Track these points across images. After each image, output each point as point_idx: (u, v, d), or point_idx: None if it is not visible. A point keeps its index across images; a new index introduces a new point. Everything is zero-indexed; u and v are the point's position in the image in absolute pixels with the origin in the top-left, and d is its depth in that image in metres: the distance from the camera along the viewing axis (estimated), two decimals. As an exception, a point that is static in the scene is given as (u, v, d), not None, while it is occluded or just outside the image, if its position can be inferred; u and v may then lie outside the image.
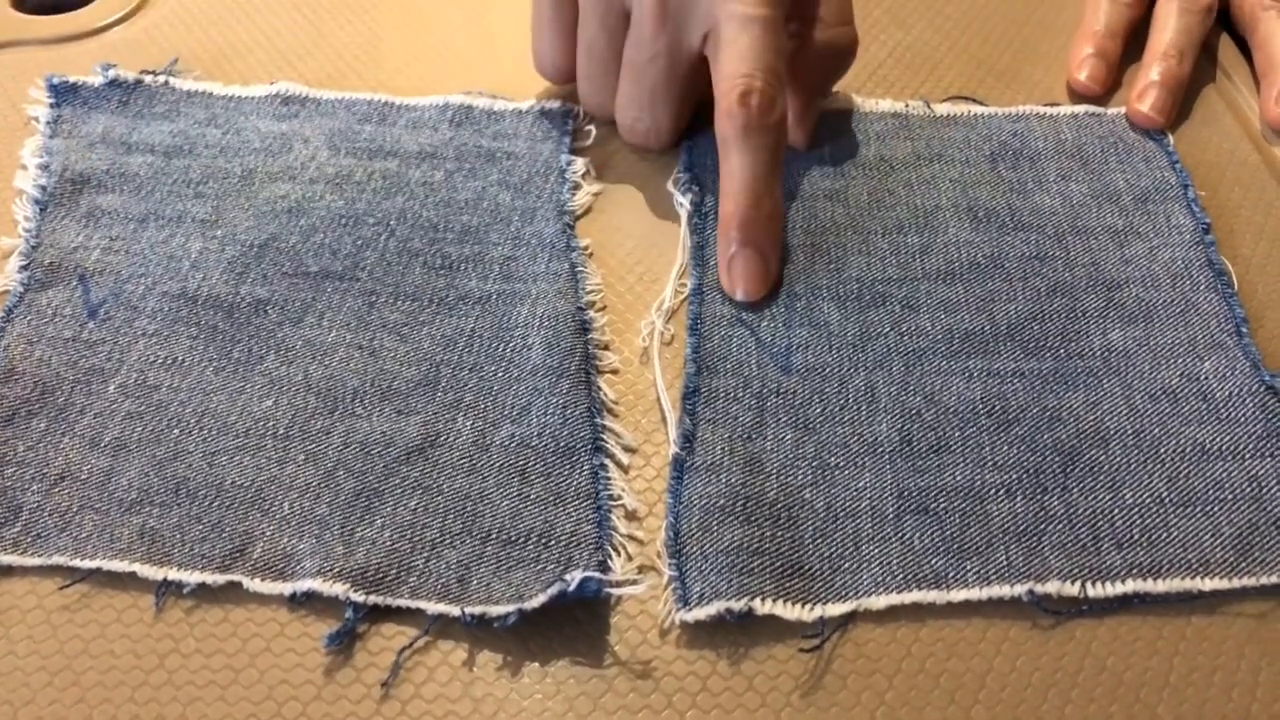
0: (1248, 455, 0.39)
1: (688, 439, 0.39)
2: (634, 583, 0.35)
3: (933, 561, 0.36)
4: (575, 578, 0.34)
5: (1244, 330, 0.43)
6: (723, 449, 0.39)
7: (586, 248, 0.46)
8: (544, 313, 0.43)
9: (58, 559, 0.36)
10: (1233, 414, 0.40)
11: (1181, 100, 0.53)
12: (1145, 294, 0.44)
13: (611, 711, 0.33)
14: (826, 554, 0.36)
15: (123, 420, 0.40)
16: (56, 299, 0.43)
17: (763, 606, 0.35)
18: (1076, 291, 0.44)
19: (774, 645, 0.35)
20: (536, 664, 0.34)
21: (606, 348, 0.43)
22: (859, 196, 0.48)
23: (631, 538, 0.37)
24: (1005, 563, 0.36)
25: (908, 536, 0.37)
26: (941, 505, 0.38)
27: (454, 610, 0.35)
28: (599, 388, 0.41)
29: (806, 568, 0.36)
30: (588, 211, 0.48)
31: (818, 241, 0.46)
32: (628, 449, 0.40)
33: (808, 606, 0.35)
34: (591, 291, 0.44)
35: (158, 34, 0.56)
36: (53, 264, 0.44)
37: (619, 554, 0.37)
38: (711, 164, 0.47)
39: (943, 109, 0.52)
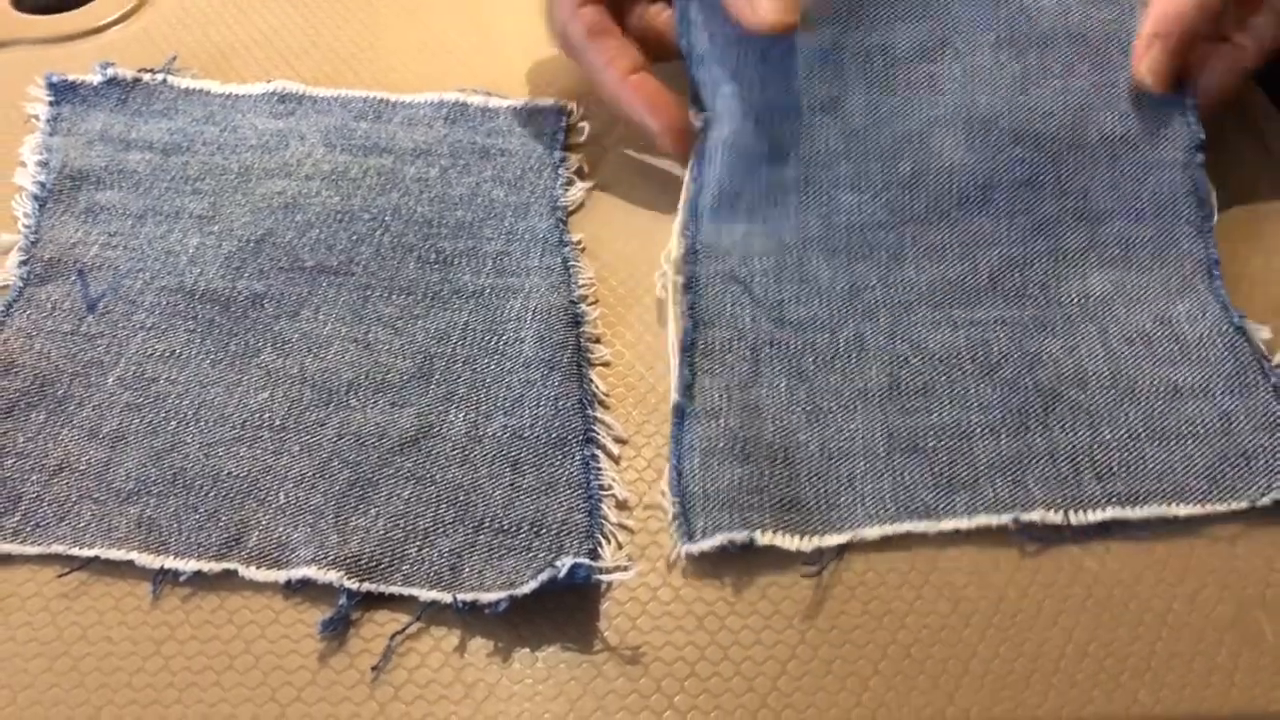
0: (1218, 393, 0.40)
1: (687, 388, 0.41)
2: (624, 569, 0.36)
3: (923, 495, 0.38)
4: (565, 564, 0.35)
5: (1215, 272, 0.44)
6: (721, 396, 0.40)
7: (579, 243, 0.47)
8: (537, 306, 0.44)
9: (57, 547, 0.37)
10: (1203, 355, 0.42)
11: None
12: (1127, 228, 0.45)
13: (601, 695, 0.34)
14: (822, 490, 0.38)
15: (121, 412, 0.40)
16: (56, 293, 0.44)
17: (763, 538, 0.36)
18: (1060, 229, 0.45)
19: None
20: (527, 649, 0.35)
21: (598, 341, 0.43)
22: (854, 110, 0.47)
23: (622, 526, 0.38)
24: (992, 495, 0.38)
25: (899, 472, 0.39)
26: (930, 443, 0.39)
27: (446, 597, 0.35)
28: (590, 380, 0.42)
29: (803, 502, 0.38)
30: (580, 207, 0.49)
31: (810, 175, 0.46)
32: (619, 440, 0.40)
33: (805, 538, 0.37)
34: (584, 286, 0.45)
35: (156, 33, 0.57)
36: (52, 259, 0.45)
37: (609, 542, 0.37)
38: (713, 94, 0.47)
39: None
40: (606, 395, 0.42)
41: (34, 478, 0.38)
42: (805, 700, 0.34)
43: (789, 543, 0.37)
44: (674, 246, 0.45)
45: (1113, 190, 0.46)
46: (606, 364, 0.43)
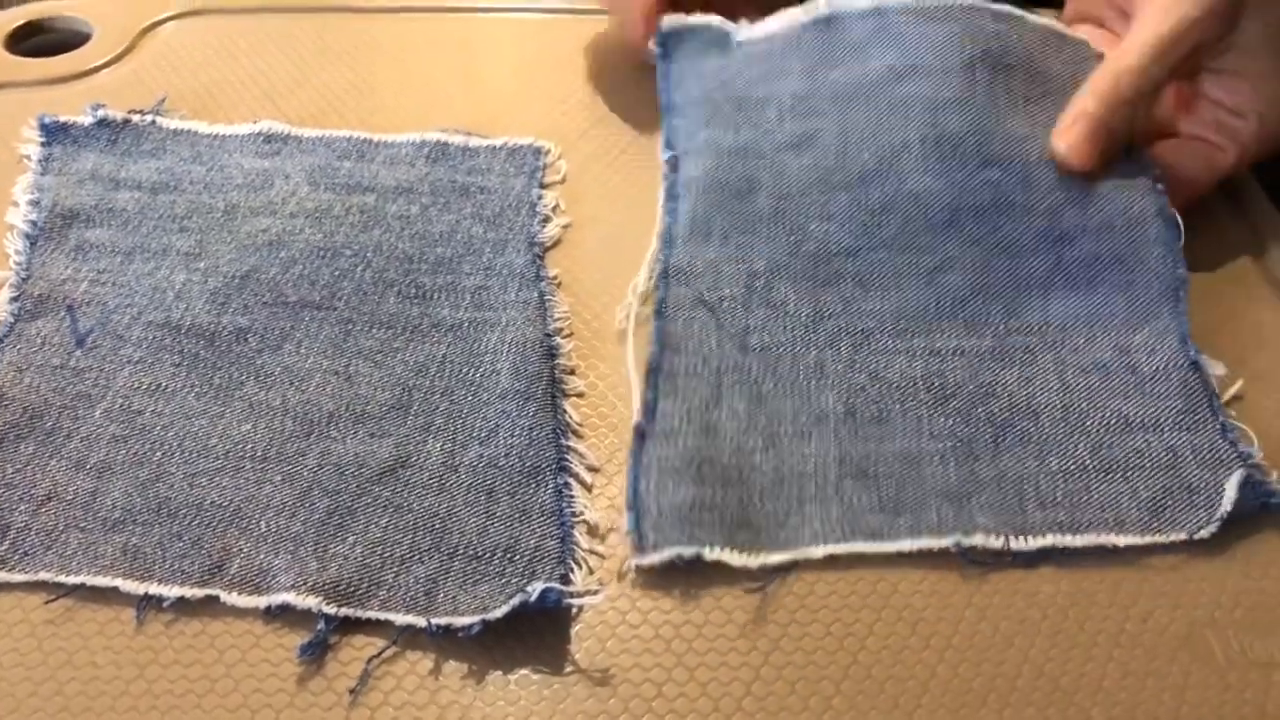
0: (1167, 428, 0.42)
1: (649, 409, 0.42)
2: (593, 593, 0.37)
3: (869, 518, 0.39)
4: (536, 589, 0.36)
5: (1181, 294, 0.45)
6: (680, 418, 0.42)
7: (555, 277, 0.48)
8: (513, 339, 0.45)
9: (44, 575, 0.38)
10: (1156, 389, 0.43)
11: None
12: (1095, 247, 0.46)
13: (571, 716, 0.35)
14: (772, 511, 0.39)
15: (108, 444, 0.41)
16: (45, 328, 0.45)
17: (711, 553, 0.38)
18: (1026, 253, 0.46)
19: (733, 640, 0.37)
20: (500, 672, 0.36)
21: (573, 372, 0.45)
22: (827, 142, 0.49)
23: (593, 552, 0.39)
24: (935, 519, 0.39)
25: (847, 496, 0.40)
26: (880, 470, 0.41)
27: (421, 621, 0.36)
28: (564, 410, 0.43)
29: (753, 523, 0.39)
30: (557, 243, 0.50)
31: (782, 207, 0.48)
32: (591, 468, 0.42)
33: (752, 555, 0.38)
34: (559, 319, 0.46)
35: (145, 75, 0.58)
36: (42, 295, 0.46)
37: (581, 567, 0.38)
38: (688, 139, 0.50)
39: None
40: (580, 425, 0.43)
41: (22, 507, 0.39)
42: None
43: (736, 559, 0.38)
44: (642, 279, 0.46)
45: (1082, 209, 0.46)
46: (580, 395, 0.44)
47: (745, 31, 0.54)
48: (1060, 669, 0.36)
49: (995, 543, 0.38)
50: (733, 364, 0.44)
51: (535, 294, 0.47)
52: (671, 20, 0.52)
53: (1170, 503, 0.39)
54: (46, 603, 0.37)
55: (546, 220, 0.51)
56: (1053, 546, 0.38)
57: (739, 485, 0.40)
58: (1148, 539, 0.39)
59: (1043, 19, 0.52)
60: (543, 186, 0.52)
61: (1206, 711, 0.35)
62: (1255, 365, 0.45)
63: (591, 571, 0.38)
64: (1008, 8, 0.51)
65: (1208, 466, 0.40)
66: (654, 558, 0.38)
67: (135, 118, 0.54)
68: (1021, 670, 0.36)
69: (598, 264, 0.49)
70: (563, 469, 0.41)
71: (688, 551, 0.37)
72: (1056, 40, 0.51)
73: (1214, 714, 0.35)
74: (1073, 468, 0.41)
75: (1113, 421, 0.42)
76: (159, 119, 0.54)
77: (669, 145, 0.50)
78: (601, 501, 0.41)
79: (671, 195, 0.49)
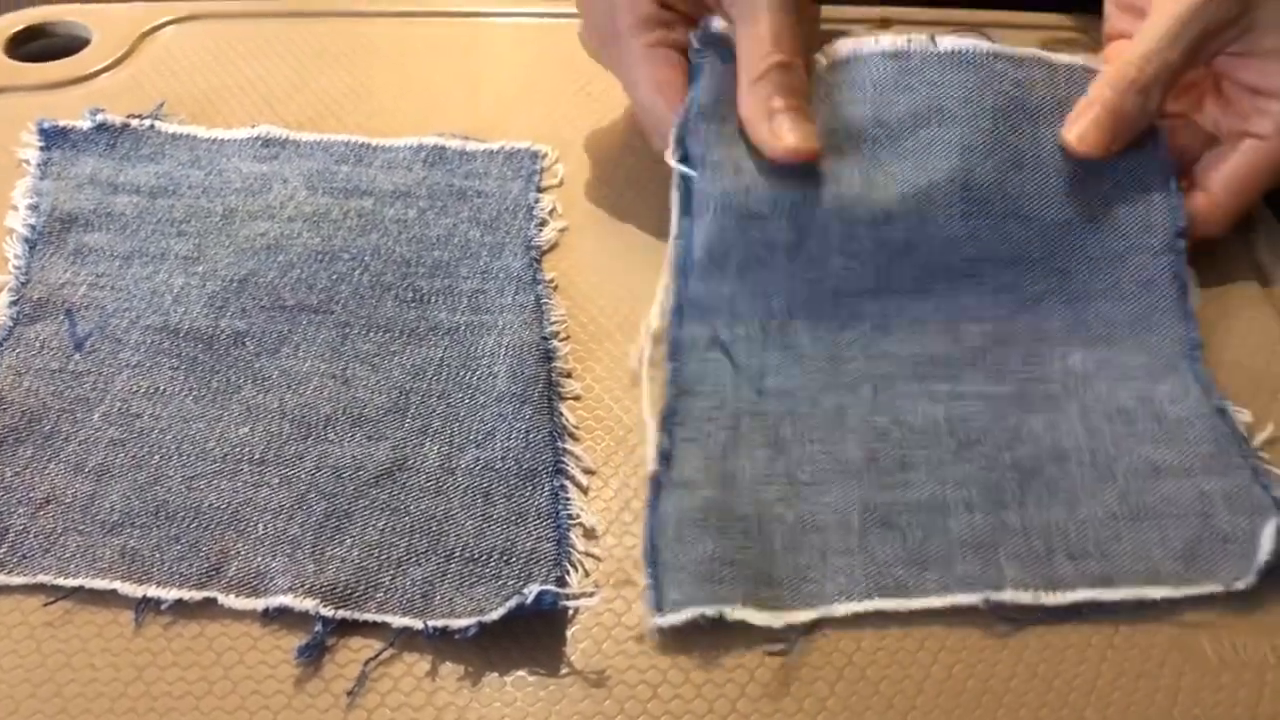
0: (1197, 473, 0.41)
1: (665, 457, 0.41)
2: (589, 595, 0.37)
3: (895, 571, 0.38)
4: (533, 591, 0.36)
5: (1197, 355, 0.45)
6: (697, 466, 0.41)
7: (552, 281, 0.48)
8: (510, 342, 0.45)
9: (43, 577, 0.38)
10: (1184, 434, 0.42)
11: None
12: (1109, 309, 0.46)
13: (567, 717, 0.35)
14: (794, 564, 0.38)
15: (106, 447, 0.41)
16: (44, 332, 0.45)
17: (733, 613, 0.36)
18: (1043, 309, 0.46)
19: (742, 651, 0.37)
20: (496, 674, 0.36)
21: (569, 375, 0.45)
22: (851, 180, 0.46)
23: (589, 554, 0.39)
24: (963, 573, 0.38)
25: (872, 548, 0.39)
26: (904, 519, 0.40)
27: (418, 623, 0.36)
28: (561, 413, 0.43)
29: (775, 578, 0.38)
30: (554, 247, 0.50)
31: (801, 240, 0.46)
32: (587, 471, 0.42)
33: (776, 613, 0.37)
34: (556, 322, 0.47)
35: (144, 80, 0.59)
36: (41, 299, 0.46)
37: (577, 570, 0.39)
38: (707, 149, 0.47)
39: (947, 44, 0.49)
40: (576, 428, 0.43)
41: (21, 510, 0.39)
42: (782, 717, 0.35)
43: (759, 618, 0.36)
44: (654, 316, 0.45)
45: (1095, 272, 0.46)
46: (577, 397, 0.44)
47: None
48: (1054, 670, 0.36)
49: (1025, 598, 0.37)
50: (749, 408, 0.43)
51: (532, 297, 0.47)
52: (716, 24, 0.49)
53: (1204, 551, 0.38)
54: (45, 605, 0.37)
55: (543, 224, 0.51)
56: (1085, 602, 0.37)
57: (760, 538, 0.39)
58: (1183, 591, 0.38)
59: (1069, 56, 0.51)
60: (540, 190, 0.52)
61: (1200, 712, 0.35)
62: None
63: (587, 574, 0.39)
64: (1032, 51, 0.50)
65: (1241, 512, 0.39)
66: (674, 618, 0.36)
67: (134, 122, 0.54)
68: (1015, 671, 0.36)
69: (594, 267, 0.50)
70: (559, 471, 0.41)
71: (709, 611, 0.36)
72: (1084, 76, 0.50)
73: (1207, 715, 0.35)
74: (1102, 515, 0.40)
75: (1141, 468, 0.41)
76: (158, 124, 0.54)
77: (681, 144, 0.47)
78: (597, 504, 0.41)
79: (686, 211, 0.47)
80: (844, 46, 0.50)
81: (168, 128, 0.54)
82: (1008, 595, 0.37)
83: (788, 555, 0.39)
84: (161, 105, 0.56)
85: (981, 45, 0.50)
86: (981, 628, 0.37)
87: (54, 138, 0.53)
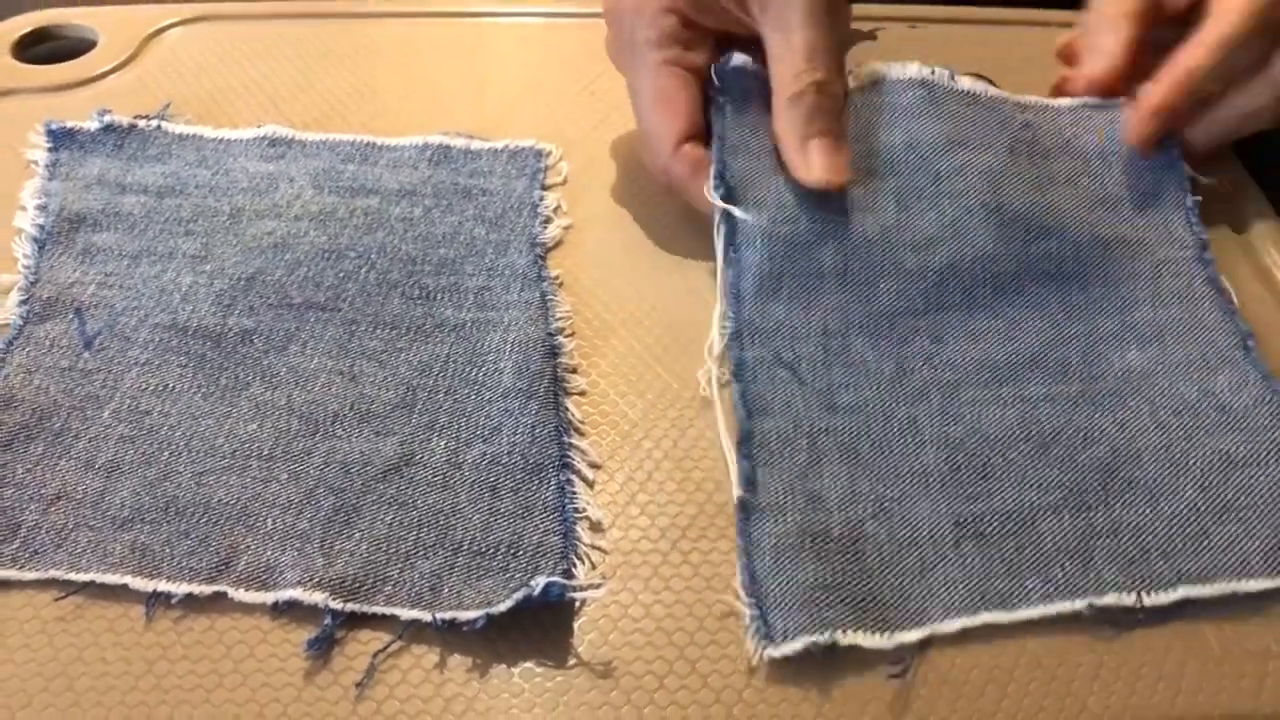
0: (1270, 461, 0.41)
1: (749, 481, 0.41)
2: (595, 587, 0.38)
3: (995, 583, 0.38)
4: (539, 583, 0.36)
5: (1250, 344, 0.45)
6: (783, 489, 0.41)
7: (557, 278, 0.49)
8: (515, 339, 0.45)
9: (54, 572, 0.38)
10: (1251, 423, 0.42)
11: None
12: (1155, 314, 0.46)
13: (574, 708, 0.35)
14: (895, 583, 0.38)
15: (116, 444, 0.42)
16: (54, 331, 0.46)
17: (845, 638, 0.36)
18: (1092, 315, 0.46)
19: (735, 631, 0.37)
20: (504, 665, 0.36)
21: (574, 371, 0.45)
22: (887, 203, 0.48)
23: (595, 548, 0.40)
24: (1062, 578, 0.38)
25: (968, 561, 0.39)
26: (994, 529, 0.40)
27: (426, 616, 0.37)
28: (566, 408, 0.44)
29: (879, 598, 0.38)
30: (558, 244, 0.51)
31: (848, 265, 0.47)
32: (593, 465, 0.42)
33: (885, 634, 0.37)
34: (561, 318, 0.47)
35: (150, 81, 0.59)
36: (50, 298, 0.47)
37: (583, 562, 0.39)
38: (746, 183, 0.48)
39: (964, 82, 0.52)
40: (582, 422, 0.43)
41: (32, 506, 0.40)
42: (769, 711, 0.35)
43: (870, 641, 0.36)
44: (715, 339, 0.45)
45: (1133, 282, 0.47)
46: (582, 393, 0.45)
47: None
48: (1058, 660, 0.37)
49: (1128, 599, 0.37)
50: (824, 426, 0.43)
51: (537, 294, 0.47)
52: (736, 59, 0.49)
53: None
54: (57, 600, 0.38)
55: (548, 221, 0.51)
56: (1185, 599, 0.37)
57: (857, 559, 0.39)
58: (1277, 582, 0.38)
59: (1070, 100, 0.53)
60: (544, 188, 0.53)
61: (1202, 700, 0.36)
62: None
63: (594, 566, 0.39)
64: (1031, 98, 0.53)
65: None
66: (787, 649, 0.36)
67: (141, 123, 0.55)
68: (1019, 662, 0.37)
69: (599, 264, 0.50)
70: (565, 466, 0.41)
71: (822, 639, 0.36)
72: (1088, 114, 0.52)
73: (1209, 703, 0.36)
74: (1186, 511, 0.40)
75: (1215, 460, 0.41)
76: (164, 124, 0.55)
77: (720, 179, 0.48)
78: (603, 497, 0.41)
79: (731, 242, 0.47)
80: (875, 70, 0.51)
81: (174, 128, 0.55)
82: (1110, 599, 0.37)
83: (886, 574, 0.38)
84: (168, 106, 0.57)
85: (991, 90, 0.52)
86: (1085, 632, 0.37)
87: (62, 139, 0.53)
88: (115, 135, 0.54)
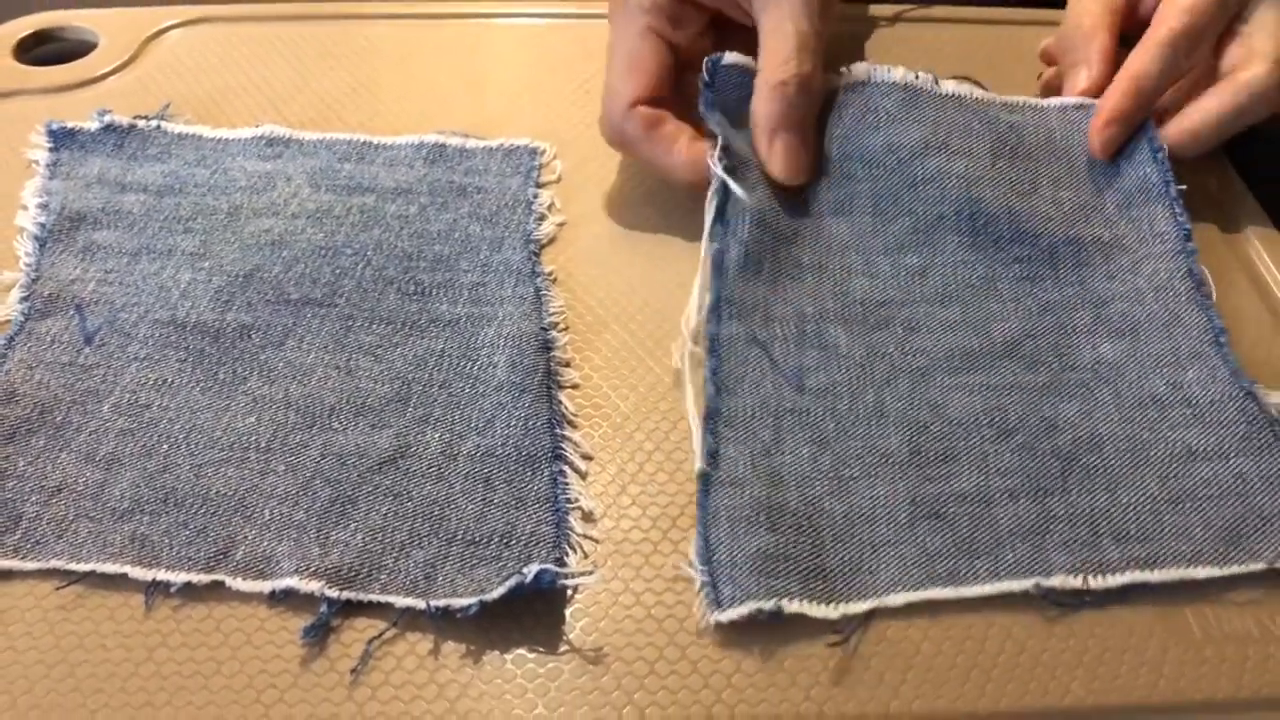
0: (1232, 455, 0.42)
1: (712, 455, 0.42)
2: (587, 574, 0.38)
3: (946, 562, 0.39)
4: (532, 570, 0.37)
5: (1223, 340, 0.45)
6: (745, 464, 0.41)
7: (550, 274, 0.49)
8: (509, 333, 0.46)
9: (55, 563, 0.39)
10: (1216, 417, 0.43)
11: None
12: (1130, 308, 0.47)
13: (565, 693, 0.36)
14: (846, 557, 0.39)
15: (116, 437, 0.42)
16: (55, 327, 0.46)
17: (790, 606, 0.37)
18: (1065, 308, 0.47)
19: (742, 627, 0.38)
20: (497, 652, 0.37)
21: (568, 364, 0.46)
22: (863, 207, 0.50)
23: (587, 537, 0.40)
24: (1012, 560, 0.39)
25: (921, 539, 0.40)
26: (951, 510, 0.40)
27: (420, 603, 0.37)
28: (560, 401, 0.44)
29: (828, 570, 0.39)
30: (552, 241, 0.51)
31: (824, 262, 0.48)
32: (585, 456, 0.43)
33: (832, 605, 0.38)
34: (554, 313, 0.48)
35: (150, 82, 0.60)
36: (51, 295, 0.47)
37: (575, 551, 0.39)
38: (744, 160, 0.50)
39: (948, 86, 0.53)
40: (575, 415, 0.44)
41: (34, 498, 0.40)
42: (758, 696, 0.36)
43: (816, 611, 0.37)
44: (692, 314, 0.46)
45: (1110, 279, 0.48)
46: (575, 386, 0.45)
47: None
48: (1042, 645, 0.37)
49: (1075, 582, 0.38)
50: (791, 405, 0.43)
51: (531, 289, 0.48)
52: (728, 57, 0.51)
53: (1246, 531, 0.39)
54: (58, 589, 0.38)
55: (542, 218, 0.52)
56: (1132, 584, 0.38)
57: (811, 532, 0.39)
58: (1227, 570, 0.38)
59: (1058, 99, 0.54)
60: (539, 186, 0.53)
61: (1184, 684, 0.36)
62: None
63: (586, 555, 0.40)
64: (1020, 98, 0.54)
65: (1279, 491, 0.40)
66: (732, 613, 0.37)
67: (141, 123, 0.55)
68: (1004, 647, 0.37)
69: (592, 260, 0.51)
70: (558, 457, 0.42)
71: (767, 605, 0.37)
72: (1076, 113, 0.53)
73: (1191, 687, 0.36)
74: (1143, 500, 0.40)
75: (1177, 451, 0.42)
76: (164, 124, 0.55)
77: (725, 152, 0.49)
78: (595, 488, 0.42)
79: (720, 215, 0.48)
80: (860, 72, 0.53)
81: (174, 128, 0.55)
82: (1057, 580, 0.38)
83: (839, 548, 0.39)
84: (167, 106, 0.57)
85: (976, 91, 0.53)
86: (1033, 612, 0.38)
87: (62, 139, 0.54)
88: (115, 135, 0.55)
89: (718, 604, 0.37)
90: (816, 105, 0.50)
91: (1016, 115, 0.53)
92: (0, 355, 0.45)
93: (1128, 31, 0.55)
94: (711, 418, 0.43)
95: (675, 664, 0.37)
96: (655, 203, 0.53)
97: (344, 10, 0.66)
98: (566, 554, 0.39)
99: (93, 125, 0.55)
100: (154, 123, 0.56)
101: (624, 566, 0.39)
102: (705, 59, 0.51)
